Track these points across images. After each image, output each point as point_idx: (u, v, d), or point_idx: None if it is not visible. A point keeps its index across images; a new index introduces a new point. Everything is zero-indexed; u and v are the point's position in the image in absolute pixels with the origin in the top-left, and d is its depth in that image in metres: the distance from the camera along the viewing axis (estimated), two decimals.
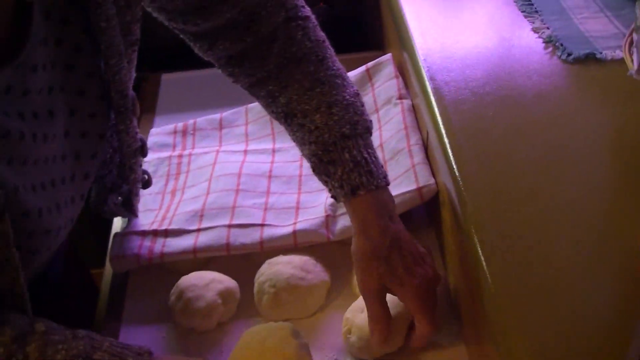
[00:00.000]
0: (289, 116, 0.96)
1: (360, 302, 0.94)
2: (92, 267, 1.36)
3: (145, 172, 1.10)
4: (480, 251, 0.78)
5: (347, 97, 0.95)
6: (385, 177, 0.94)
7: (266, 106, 1.00)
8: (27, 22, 0.74)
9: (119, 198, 1.06)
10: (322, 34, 0.99)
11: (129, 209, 1.09)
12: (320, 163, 0.94)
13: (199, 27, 0.95)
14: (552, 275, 0.75)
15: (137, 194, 1.08)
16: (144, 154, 1.03)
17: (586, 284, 0.74)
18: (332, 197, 0.95)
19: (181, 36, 0.99)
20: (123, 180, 1.04)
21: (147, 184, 1.11)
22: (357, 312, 0.95)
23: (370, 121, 0.96)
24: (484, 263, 0.76)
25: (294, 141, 0.98)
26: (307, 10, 0.99)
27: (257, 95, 1.00)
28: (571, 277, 0.74)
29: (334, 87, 0.95)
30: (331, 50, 0.98)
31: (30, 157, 0.78)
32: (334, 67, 0.97)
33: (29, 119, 0.77)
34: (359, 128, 0.94)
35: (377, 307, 0.90)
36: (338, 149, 0.92)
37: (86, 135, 0.87)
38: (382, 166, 0.94)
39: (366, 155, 0.93)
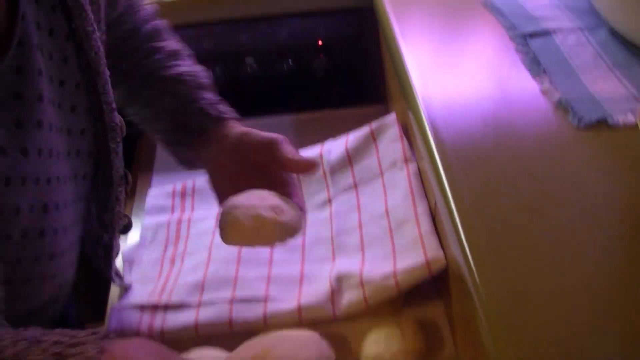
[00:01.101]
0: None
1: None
2: (90, 322, 1.32)
3: (125, 215, 1.05)
4: (490, 331, 0.74)
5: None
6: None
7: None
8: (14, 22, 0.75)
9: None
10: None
11: (107, 262, 1.03)
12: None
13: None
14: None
15: (117, 242, 1.04)
16: (128, 182, 1.01)
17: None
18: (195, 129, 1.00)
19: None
20: (103, 228, 0.99)
21: (127, 227, 1.08)
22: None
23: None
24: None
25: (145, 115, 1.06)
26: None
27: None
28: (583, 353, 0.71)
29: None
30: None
31: (42, 175, 0.79)
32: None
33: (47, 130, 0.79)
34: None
35: None
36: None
37: (80, 153, 0.87)
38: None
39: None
